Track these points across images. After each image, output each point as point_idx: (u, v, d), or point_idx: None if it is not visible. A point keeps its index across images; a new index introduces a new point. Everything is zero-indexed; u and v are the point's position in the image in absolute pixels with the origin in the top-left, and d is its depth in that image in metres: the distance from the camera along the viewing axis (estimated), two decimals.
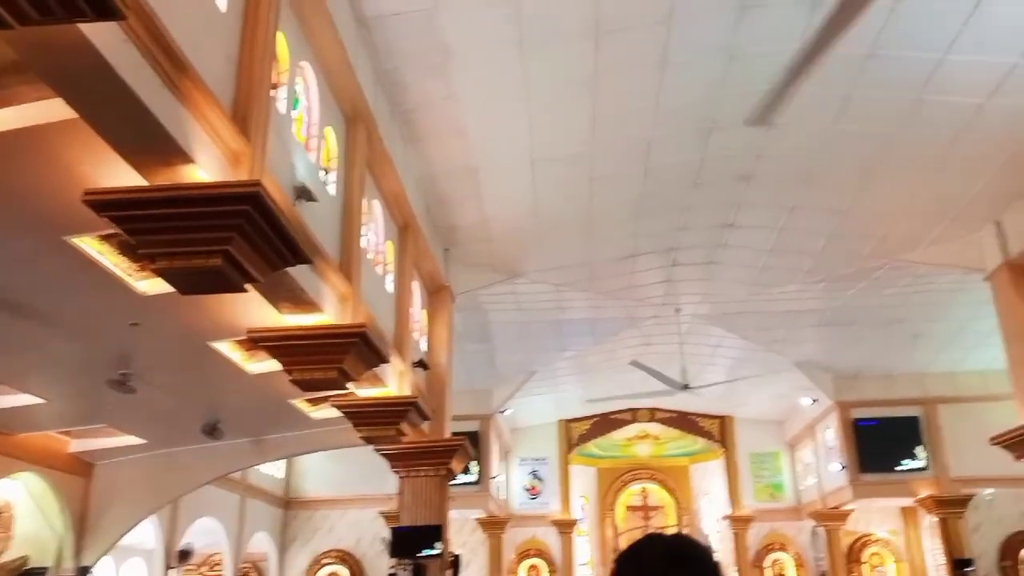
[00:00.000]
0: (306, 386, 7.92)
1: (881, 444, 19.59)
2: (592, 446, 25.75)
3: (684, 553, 1.37)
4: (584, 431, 25.21)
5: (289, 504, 22.37)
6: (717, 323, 17.47)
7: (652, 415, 24.85)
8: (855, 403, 20.03)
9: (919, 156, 10.89)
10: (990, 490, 19.47)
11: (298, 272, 6.53)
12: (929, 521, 20.75)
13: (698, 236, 13.49)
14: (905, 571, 22.09)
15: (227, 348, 9.09)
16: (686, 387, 16.81)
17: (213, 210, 4.97)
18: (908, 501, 20.43)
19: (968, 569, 18.80)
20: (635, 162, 11.10)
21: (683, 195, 12.12)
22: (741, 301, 16.14)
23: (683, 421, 25.00)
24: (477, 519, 22.10)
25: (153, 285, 7.11)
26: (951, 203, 12.26)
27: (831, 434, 21.09)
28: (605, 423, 25.20)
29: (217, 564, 20.14)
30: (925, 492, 19.34)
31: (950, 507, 19.23)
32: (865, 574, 22.26)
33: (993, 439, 12.82)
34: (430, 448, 12.16)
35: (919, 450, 19.53)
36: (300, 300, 7.03)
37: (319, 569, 21.97)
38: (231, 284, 5.43)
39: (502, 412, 21.20)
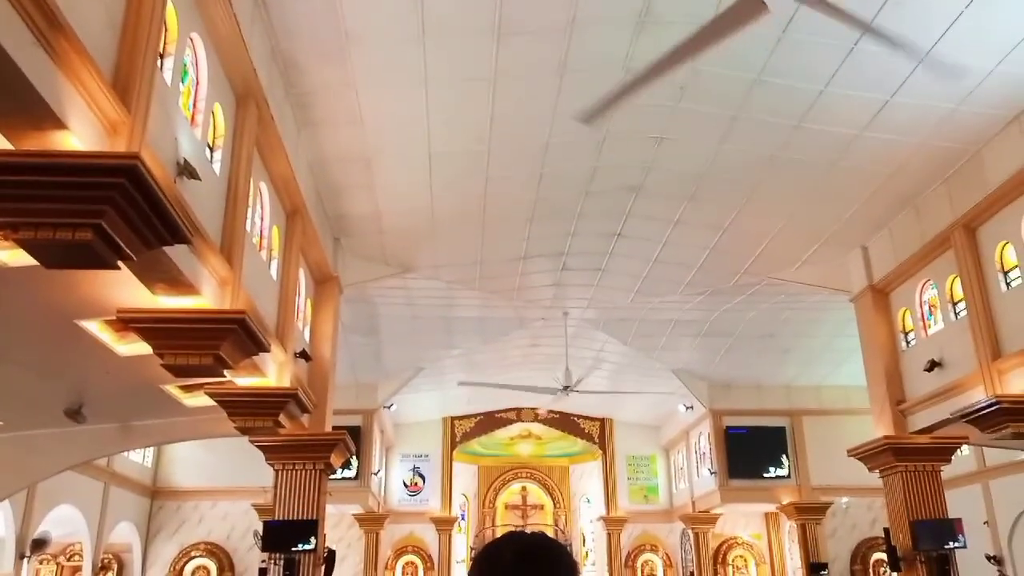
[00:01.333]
0: (179, 372, 7.62)
1: (750, 452, 20.53)
2: (475, 444, 25.90)
3: (537, 551, 1.40)
4: (468, 429, 25.33)
5: (156, 494, 21.45)
6: (602, 328, 17.89)
7: (535, 415, 25.21)
8: (727, 412, 20.91)
9: (797, 181, 11.48)
10: (846, 498, 20.70)
11: (175, 252, 6.28)
12: (790, 526, 21.92)
13: (588, 242, 13.76)
14: (766, 573, 23.26)
15: (95, 328, 8.64)
16: (567, 388, 17.15)
17: (86, 180, 4.73)
18: (772, 507, 21.50)
19: (823, 572, 19.97)
20: (531, 165, 11.23)
21: (575, 201, 12.35)
22: (625, 308, 16.58)
23: (565, 422, 25.48)
24: (355, 515, 21.83)
25: (14, 256, 6.69)
26: (823, 227, 12.99)
27: (704, 440, 21.93)
28: (489, 421, 25.40)
29: (76, 554, 19.14)
30: (788, 499, 20.39)
31: (810, 514, 20.36)
32: (729, 575, 23.30)
33: (850, 451, 13.65)
34: (309, 442, 11.92)
35: (784, 459, 20.57)
36: (176, 281, 6.76)
37: (186, 562, 21.18)
38: (102, 260, 5.18)
39: (387, 407, 21.01)
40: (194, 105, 7.21)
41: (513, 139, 10.56)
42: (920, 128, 10.12)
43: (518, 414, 25.31)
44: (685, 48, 6.00)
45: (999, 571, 18.92)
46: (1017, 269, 10.49)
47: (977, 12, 8.08)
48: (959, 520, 12.44)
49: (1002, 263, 10.76)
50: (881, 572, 21.31)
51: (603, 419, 25.53)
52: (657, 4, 8.20)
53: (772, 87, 9.39)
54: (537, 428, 26.11)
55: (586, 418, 25.48)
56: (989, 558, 18.93)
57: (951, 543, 12.12)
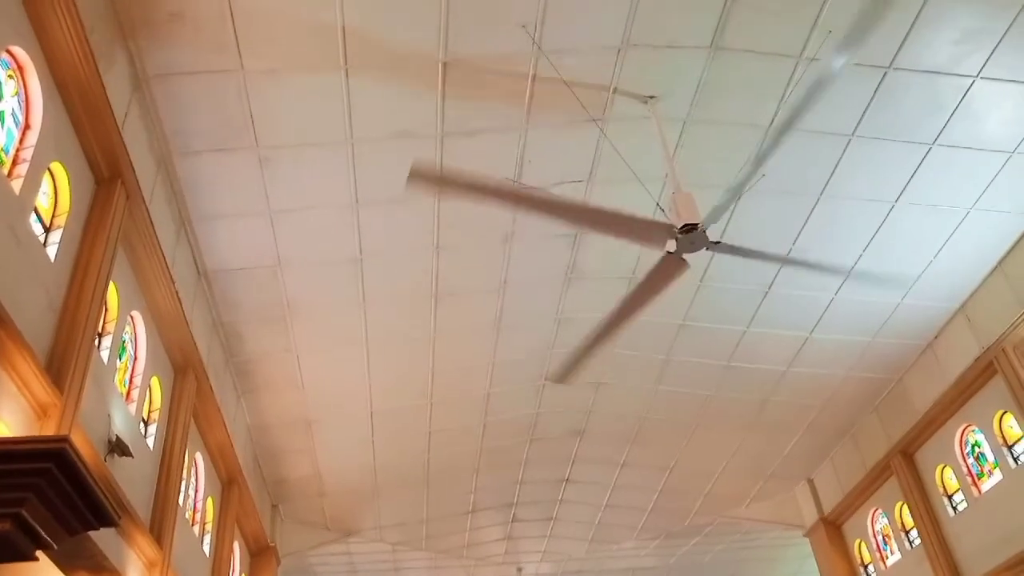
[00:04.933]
0: None
1: None
2: None
3: None
4: None
5: None
6: None
7: None
8: None
9: (733, 417, 11.72)
10: None
11: (101, 536, 5.92)
12: None
13: (537, 490, 13.51)
14: None
15: None
16: None
17: (9, 468, 4.53)
18: None
19: None
20: (474, 416, 11.26)
21: (520, 449, 12.29)
22: (581, 559, 15.96)
23: None
24: None
25: None
26: (766, 462, 13.08)
27: None
28: None
29: None
30: None
31: None
32: None
33: None
34: None
35: None
36: (100, 568, 6.29)
37: None
38: (18, 552, 4.83)
39: None
40: (131, 380, 7.16)
41: (454, 392, 10.67)
42: (842, 360, 10.61)
43: None
44: (625, 309, 6.34)
45: None
46: (960, 492, 10.57)
47: (877, 253, 8.80)
48: None
49: (944, 487, 10.85)
50: None
51: None
52: (581, 261, 8.75)
53: (698, 330, 9.87)
54: None
55: None
56: None
57: None
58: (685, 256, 5.93)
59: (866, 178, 8.01)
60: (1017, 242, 8.86)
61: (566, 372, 7.00)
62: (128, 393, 7.08)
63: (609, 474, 13.10)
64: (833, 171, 7.90)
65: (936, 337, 10.23)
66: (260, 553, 12.21)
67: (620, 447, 12.37)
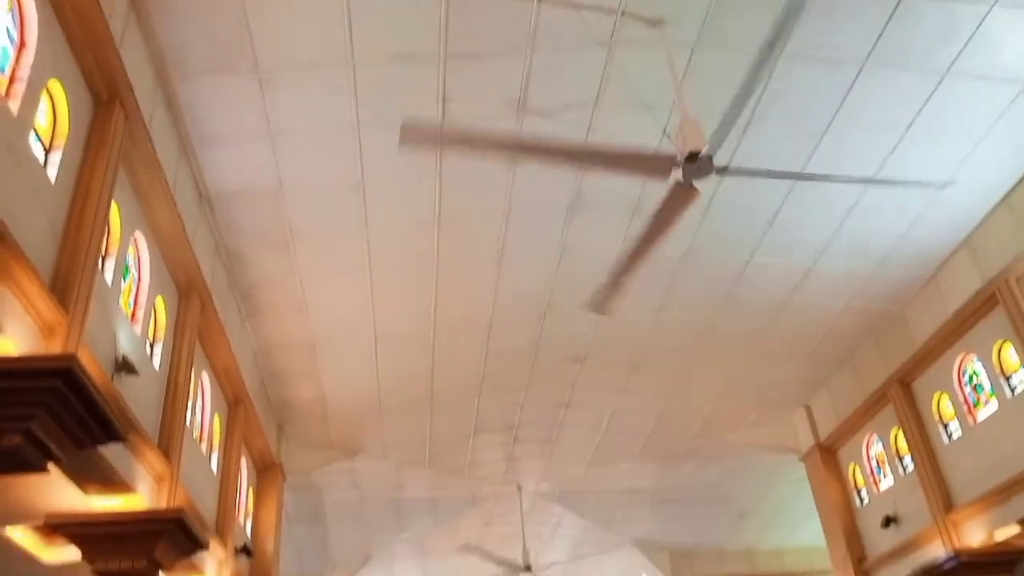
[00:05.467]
0: None
1: None
2: None
3: None
4: None
5: None
6: (557, 501, 17.50)
7: None
8: None
9: (735, 345, 11.81)
10: None
11: (110, 450, 6.08)
12: None
13: (537, 414, 13.73)
14: None
15: (20, 535, 8.13)
16: (528, 568, 16.50)
17: (18, 385, 4.63)
18: None
19: None
20: (476, 341, 11.37)
21: (522, 374, 12.43)
22: (580, 479, 16.33)
23: None
24: None
25: None
26: (765, 388, 13.25)
27: None
28: None
29: None
30: None
31: None
32: None
33: None
34: None
35: None
36: (110, 481, 6.49)
37: None
38: (29, 464, 4.97)
39: None
40: (135, 301, 7.23)
41: (457, 319, 10.74)
42: (844, 290, 10.63)
43: None
44: (642, 246, 6.34)
45: None
46: (956, 420, 10.74)
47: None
48: None
49: (940, 415, 11.02)
50: None
51: None
52: (586, 191, 8.69)
53: (701, 259, 9.86)
54: None
55: None
56: None
57: None
58: (695, 184, 5.89)
59: (877, 106, 7.87)
60: None
61: (604, 300, 7.05)
62: (133, 314, 7.16)
63: (609, 399, 13.30)
64: (844, 99, 7.76)
65: (939, 268, 10.23)
66: (266, 470, 12.54)
67: (620, 374, 12.52)
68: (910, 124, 8.08)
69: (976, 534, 10.23)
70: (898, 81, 7.56)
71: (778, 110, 7.71)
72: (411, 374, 11.88)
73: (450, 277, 9.80)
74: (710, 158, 5.69)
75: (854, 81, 7.57)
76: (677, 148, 5.73)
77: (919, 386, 11.35)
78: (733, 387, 13.04)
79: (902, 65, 7.41)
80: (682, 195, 5.96)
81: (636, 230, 9.08)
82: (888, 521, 11.95)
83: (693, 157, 5.69)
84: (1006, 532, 9.84)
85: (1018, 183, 8.86)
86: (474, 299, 10.38)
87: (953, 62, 7.37)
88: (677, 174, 5.86)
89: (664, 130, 6.15)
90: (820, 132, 8.16)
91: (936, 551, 10.66)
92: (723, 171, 5.81)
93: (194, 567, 8.65)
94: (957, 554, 10.11)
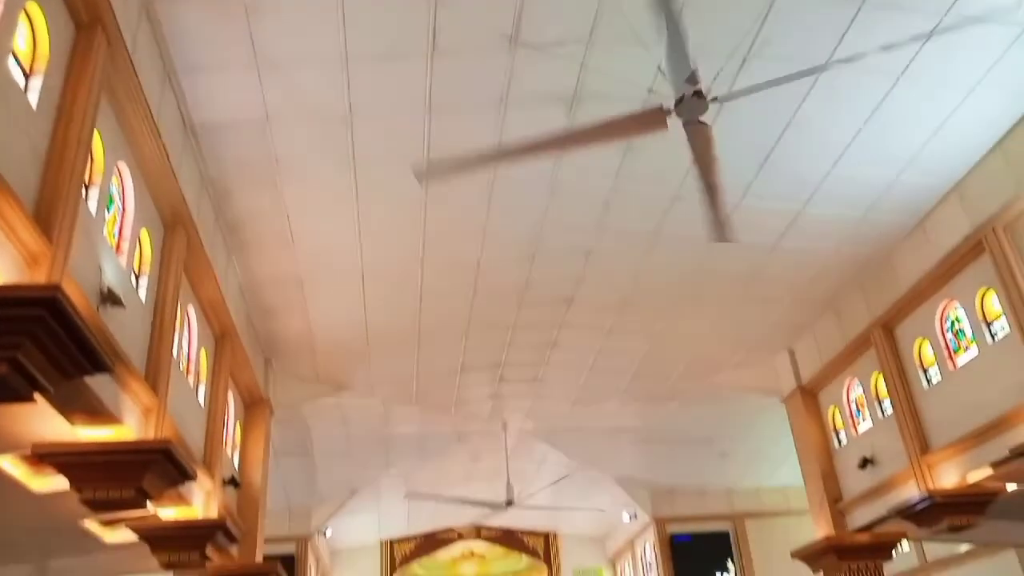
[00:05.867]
0: (98, 506, 7.22)
1: (695, 559, 20.25)
2: (416, 567, 24.94)
3: None
4: (408, 551, 24.46)
5: None
6: (542, 439, 17.76)
7: (477, 533, 24.59)
8: (671, 518, 20.71)
9: (721, 288, 11.87)
10: None
11: (96, 381, 6.09)
12: None
13: (524, 353, 13.83)
14: None
15: (8, 464, 8.19)
16: (510, 503, 16.85)
17: (2, 314, 4.60)
18: None
19: None
20: (464, 280, 11.36)
21: (510, 314, 12.47)
22: (564, 418, 16.55)
23: (508, 539, 24.86)
24: None
25: None
26: (750, 331, 13.37)
27: (649, 550, 21.58)
28: (430, 542, 24.58)
29: None
30: None
31: None
32: None
33: (793, 553, 13.62)
34: (238, 574, 11.32)
35: (730, 564, 20.34)
36: (97, 412, 6.51)
37: None
38: (16, 394, 4.98)
39: (322, 533, 20.18)
40: (120, 232, 7.15)
41: (445, 257, 10.71)
42: (833, 235, 10.65)
43: (459, 534, 24.62)
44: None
45: None
46: (936, 366, 10.90)
47: (877, 128, 8.69)
48: None
49: (921, 360, 11.17)
50: None
51: (547, 533, 24.99)
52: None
53: (692, 201, 9.78)
54: (480, 547, 25.36)
55: (530, 533, 24.91)
56: None
57: None
58: (701, 119, 5.90)
59: (872, 49, 7.75)
60: (1021, 120, 8.72)
61: (723, 228, 7.03)
62: (118, 245, 7.08)
63: (595, 340, 13.39)
64: (839, 41, 7.63)
65: (928, 214, 10.25)
66: (254, 404, 12.63)
67: (607, 315, 12.58)
68: (905, 67, 7.97)
69: (950, 476, 10.48)
70: (895, 22, 7.42)
71: (772, 52, 7.59)
72: (399, 310, 11.90)
73: (439, 214, 9.73)
74: (696, 94, 5.66)
75: (850, 24, 7.42)
76: (671, 81, 5.69)
77: (901, 331, 11.48)
78: (719, 329, 13.15)
79: (901, 6, 7.27)
80: (697, 133, 5.96)
81: (628, 167, 9.11)
82: (865, 463, 12.21)
83: (682, 98, 5.67)
84: (979, 474, 10.09)
85: (1013, 128, 8.81)
86: (463, 237, 10.33)
87: (951, 7, 7.23)
88: (674, 119, 5.84)
89: (658, 66, 6.07)
90: (813, 76, 8.04)
91: (910, 492, 10.93)
92: (715, 101, 5.81)
93: (182, 497, 8.77)
94: (931, 495, 10.37)
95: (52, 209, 5.30)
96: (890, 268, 11.19)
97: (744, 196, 9.82)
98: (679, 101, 5.73)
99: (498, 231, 10.23)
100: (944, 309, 10.65)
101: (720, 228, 7.14)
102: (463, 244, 10.49)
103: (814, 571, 13.43)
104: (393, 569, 24.17)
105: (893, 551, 13.26)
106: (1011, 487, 10.36)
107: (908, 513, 10.72)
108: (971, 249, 9.67)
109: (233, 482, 11.09)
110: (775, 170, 9.34)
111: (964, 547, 17.04)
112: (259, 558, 11.88)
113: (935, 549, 18.53)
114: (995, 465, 9.59)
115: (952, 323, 10.61)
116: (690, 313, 12.58)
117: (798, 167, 9.41)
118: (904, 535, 12.55)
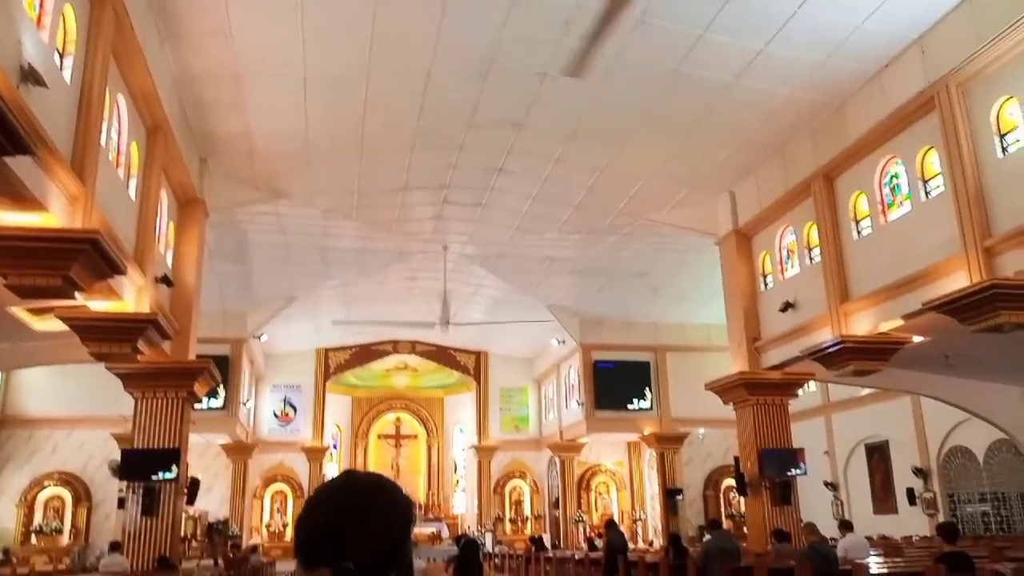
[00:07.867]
0: (25, 293, 7.13)
1: (616, 384, 21.37)
2: (350, 376, 25.78)
3: (370, 487, 1.38)
4: (343, 360, 25.15)
5: (4, 422, 20.30)
6: (480, 264, 17.96)
7: (413, 347, 25.34)
8: (597, 346, 21.61)
9: (672, 124, 11.74)
10: (703, 429, 21.96)
11: (18, 164, 5.81)
12: (650, 455, 23.11)
13: (470, 176, 13.67)
14: (626, 499, 24.56)
15: None
16: (447, 323, 17.25)
17: None
18: (634, 436, 22.56)
19: (677, 497, 21.25)
20: (412, 92, 10.95)
21: (457, 134, 12.18)
22: (504, 244, 16.68)
23: (442, 355, 25.72)
24: (222, 444, 21.43)
25: None
26: (696, 171, 13.40)
27: (573, 373, 22.64)
28: (365, 353, 25.28)
29: None
30: (649, 429, 21.42)
31: (669, 443, 21.50)
32: (592, 500, 24.47)
33: (707, 385, 14.42)
34: (170, 369, 11.48)
35: (647, 392, 21.53)
36: (20, 196, 6.26)
37: (39, 492, 20.28)
38: None
39: (257, 337, 20.50)
40: (40, 5, 6.58)
41: (393, 63, 10.23)
42: (790, 78, 10.50)
43: (395, 346, 25.32)
44: None
45: (834, 496, 20.71)
46: (868, 219, 11.18)
47: None
48: (802, 450, 13.44)
49: (855, 212, 11.44)
50: (730, 497, 22.89)
51: (479, 352, 25.93)
52: None
53: (653, 29, 9.47)
54: (413, 360, 26.24)
55: (462, 351, 25.79)
56: (827, 484, 20.67)
57: (793, 470, 13.11)
58: None
59: None
60: None
61: (582, 61, 6.70)
62: (39, 19, 6.54)
63: (542, 168, 13.26)
64: None
65: (886, 66, 10.14)
66: (188, 204, 12.33)
67: (556, 143, 12.39)
68: None
69: (863, 324, 11.04)
70: None
71: None
72: (341, 118, 11.49)
73: (388, 16, 9.18)
74: None
75: None
76: None
77: (841, 183, 11.66)
78: (665, 166, 13.14)
79: None
80: None
81: None
82: (787, 306, 12.74)
83: None
84: (889, 325, 10.65)
85: None
86: (413, 44, 9.84)
87: None
88: None
89: None
90: None
91: (825, 336, 11.52)
92: None
93: (112, 291, 8.68)
94: (842, 339, 10.95)
95: None
96: (841, 118, 11.18)
97: (706, 29, 9.50)
98: None
99: (451, 41, 9.77)
100: (885, 164, 10.80)
101: (585, 60, 6.86)
102: (413, 51, 10.01)
103: (724, 402, 14.28)
104: (327, 376, 24.93)
105: (800, 390, 14.19)
106: (917, 339, 11.00)
107: (819, 355, 11.35)
108: (922, 105, 9.68)
109: (166, 280, 11.01)
110: (741, 3, 9.00)
111: (865, 391, 18.37)
112: (192, 356, 12.03)
113: (838, 391, 19.96)
114: (907, 317, 10.12)
115: (891, 179, 10.80)
116: (639, 148, 12.48)
117: (764, 3, 9.08)
118: (812, 376, 13.35)
